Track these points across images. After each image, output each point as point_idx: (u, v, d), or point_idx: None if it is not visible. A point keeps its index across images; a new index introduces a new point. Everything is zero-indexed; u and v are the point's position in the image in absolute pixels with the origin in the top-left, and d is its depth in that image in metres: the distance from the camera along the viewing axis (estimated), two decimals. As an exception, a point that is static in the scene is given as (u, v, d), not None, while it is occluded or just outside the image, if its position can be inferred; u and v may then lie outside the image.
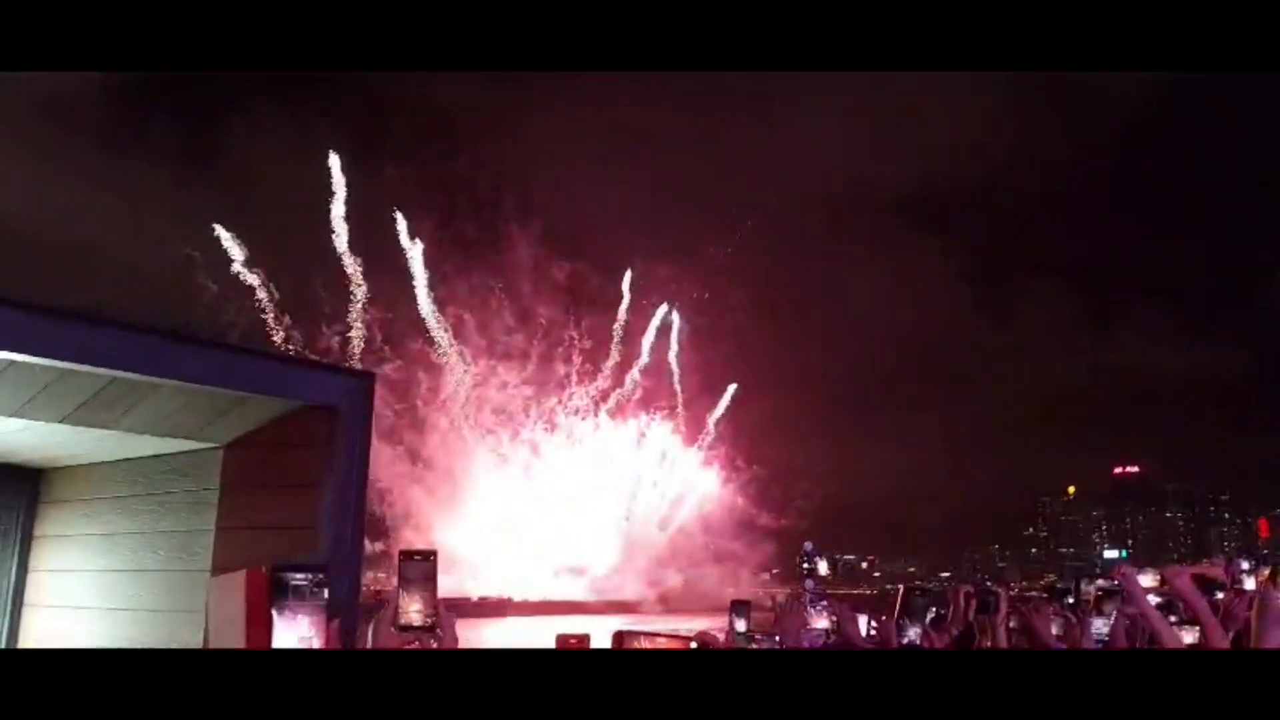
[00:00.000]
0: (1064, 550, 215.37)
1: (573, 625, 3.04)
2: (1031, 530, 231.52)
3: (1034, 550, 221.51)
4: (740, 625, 4.24)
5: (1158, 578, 4.85)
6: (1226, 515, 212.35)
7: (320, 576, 2.32)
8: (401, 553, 2.68)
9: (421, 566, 2.70)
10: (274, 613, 2.25)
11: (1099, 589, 4.23)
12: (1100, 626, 4.11)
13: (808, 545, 12.25)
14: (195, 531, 5.18)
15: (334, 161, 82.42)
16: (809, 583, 11.64)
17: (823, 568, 11.65)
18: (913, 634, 3.85)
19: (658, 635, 2.55)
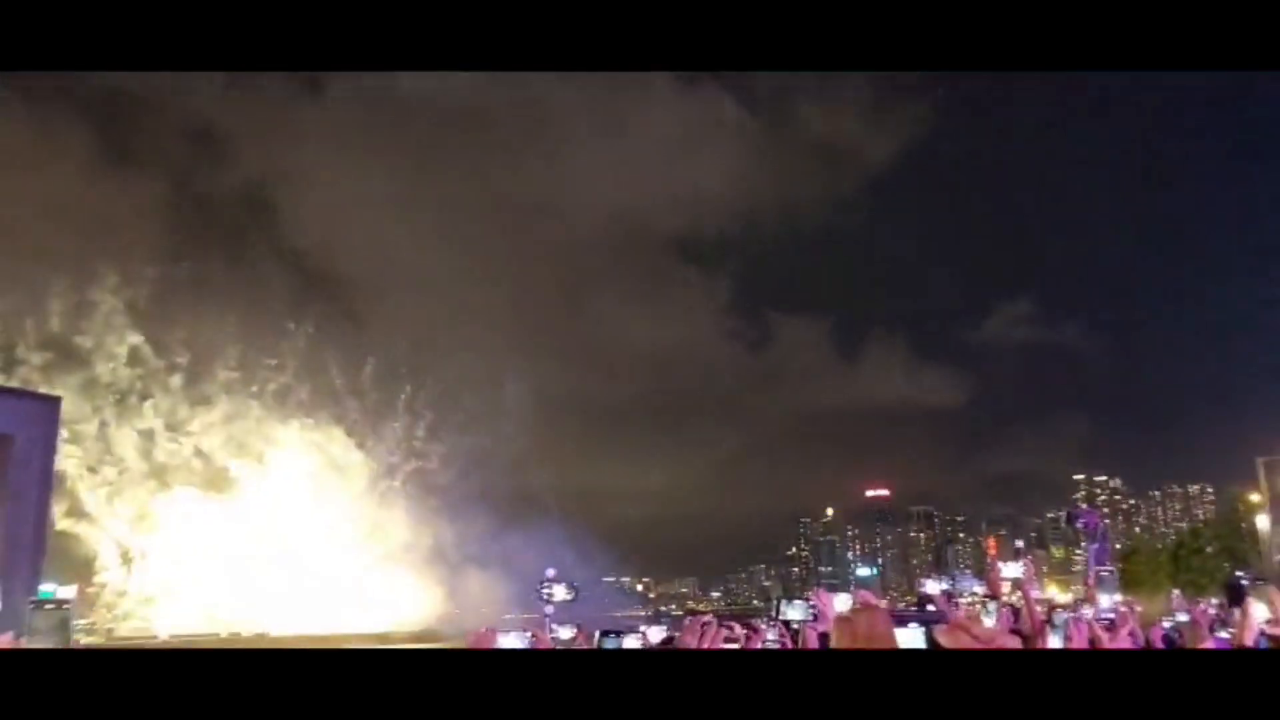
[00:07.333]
0: (823, 569, 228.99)
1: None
2: (794, 550, 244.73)
3: (795, 569, 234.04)
4: None
5: (850, 601, 5.34)
6: (961, 535, 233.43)
7: None
8: (32, 602, 2.54)
9: (53, 615, 2.56)
10: None
11: (770, 621, 4.58)
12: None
13: (549, 571, 12.39)
14: None
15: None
16: (549, 609, 11.77)
17: (560, 593, 11.82)
18: None
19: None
